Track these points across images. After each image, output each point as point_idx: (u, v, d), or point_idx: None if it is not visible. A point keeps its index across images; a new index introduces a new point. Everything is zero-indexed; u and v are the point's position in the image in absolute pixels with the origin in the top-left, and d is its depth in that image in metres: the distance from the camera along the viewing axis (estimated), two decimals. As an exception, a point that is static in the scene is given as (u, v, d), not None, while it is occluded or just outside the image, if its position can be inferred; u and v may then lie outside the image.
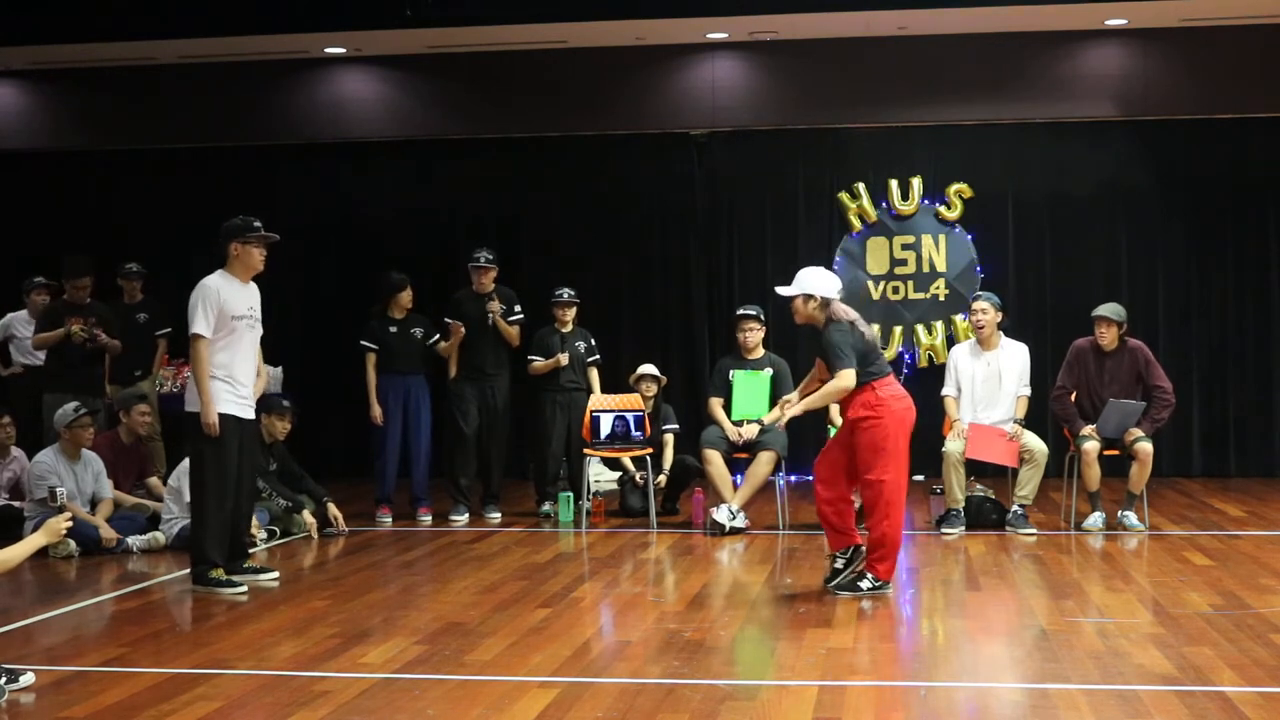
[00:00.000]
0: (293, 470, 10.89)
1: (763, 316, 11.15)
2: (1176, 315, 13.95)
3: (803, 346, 14.07)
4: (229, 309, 8.48)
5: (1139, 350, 10.59)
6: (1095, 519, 10.43)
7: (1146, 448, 10.29)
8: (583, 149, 14.54)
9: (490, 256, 11.64)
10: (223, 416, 8.43)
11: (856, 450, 8.06)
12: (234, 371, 8.54)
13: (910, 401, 8.20)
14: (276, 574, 8.85)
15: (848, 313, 8.18)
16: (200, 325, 8.41)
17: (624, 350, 13.68)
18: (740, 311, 11.18)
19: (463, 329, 11.48)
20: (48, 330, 11.65)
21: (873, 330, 8.32)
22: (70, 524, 6.47)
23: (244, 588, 8.41)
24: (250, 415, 8.72)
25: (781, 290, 8.28)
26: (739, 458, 10.95)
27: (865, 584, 8.07)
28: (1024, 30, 13.46)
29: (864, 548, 8.17)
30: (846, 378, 7.95)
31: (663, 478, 11.46)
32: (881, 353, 8.33)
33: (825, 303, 8.13)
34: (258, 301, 8.76)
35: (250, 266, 8.68)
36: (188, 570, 8.67)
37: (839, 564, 8.22)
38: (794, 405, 8.31)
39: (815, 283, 8.14)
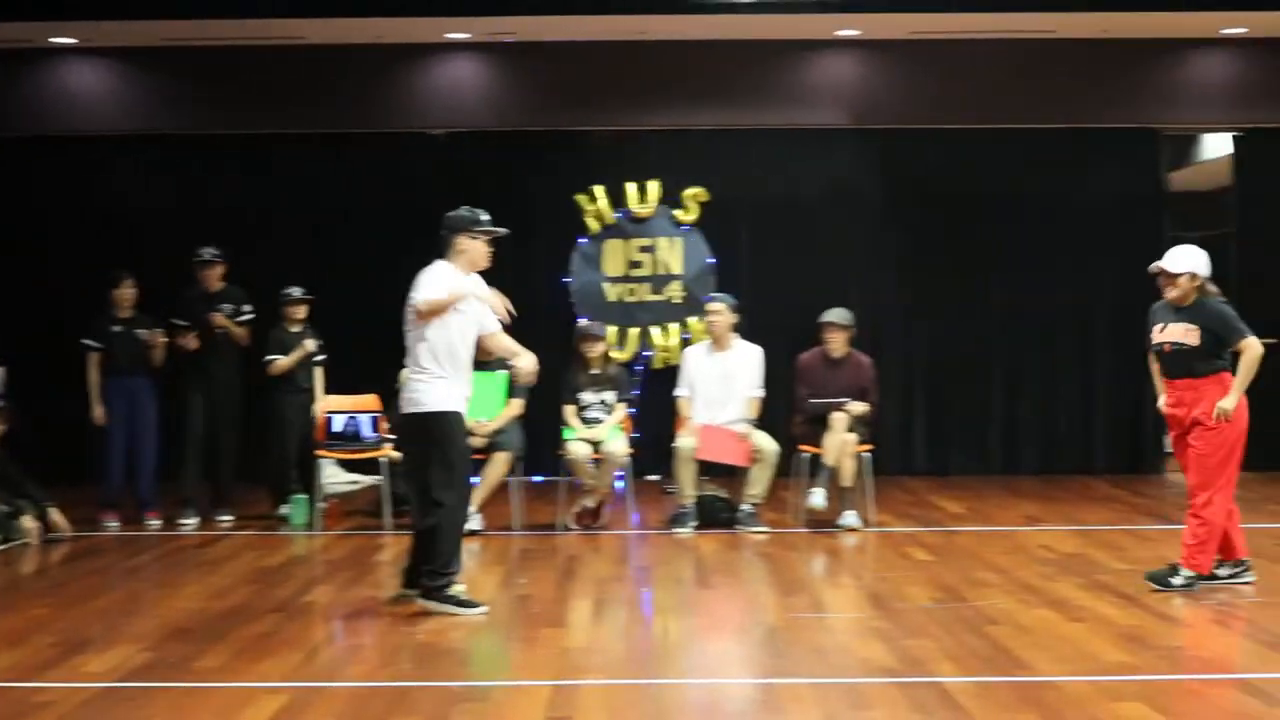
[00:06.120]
0: (11, 474, 10.45)
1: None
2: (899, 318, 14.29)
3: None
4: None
5: (864, 366, 10.95)
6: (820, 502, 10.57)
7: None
8: (323, 146, 14.24)
9: (215, 252, 11.42)
10: (451, 413, 7.80)
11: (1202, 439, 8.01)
12: (452, 363, 7.83)
13: (1244, 399, 8.09)
14: (486, 608, 7.86)
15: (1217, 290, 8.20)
16: (431, 293, 7.74)
17: (355, 355, 13.28)
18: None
19: (196, 340, 11.23)
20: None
21: None
22: None
23: (485, 608, 7.78)
24: (465, 410, 7.99)
25: (1167, 265, 8.06)
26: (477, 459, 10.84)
27: (1177, 580, 8.04)
28: (759, 38, 13.73)
29: (1249, 562, 8.27)
30: (1255, 345, 7.92)
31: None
32: None
33: (1206, 281, 8.11)
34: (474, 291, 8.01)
35: (475, 262, 7.98)
36: None
37: (1220, 571, 8.22)
38: (1230, 399, 7.95)
39: (1200, 263, 8.07)
